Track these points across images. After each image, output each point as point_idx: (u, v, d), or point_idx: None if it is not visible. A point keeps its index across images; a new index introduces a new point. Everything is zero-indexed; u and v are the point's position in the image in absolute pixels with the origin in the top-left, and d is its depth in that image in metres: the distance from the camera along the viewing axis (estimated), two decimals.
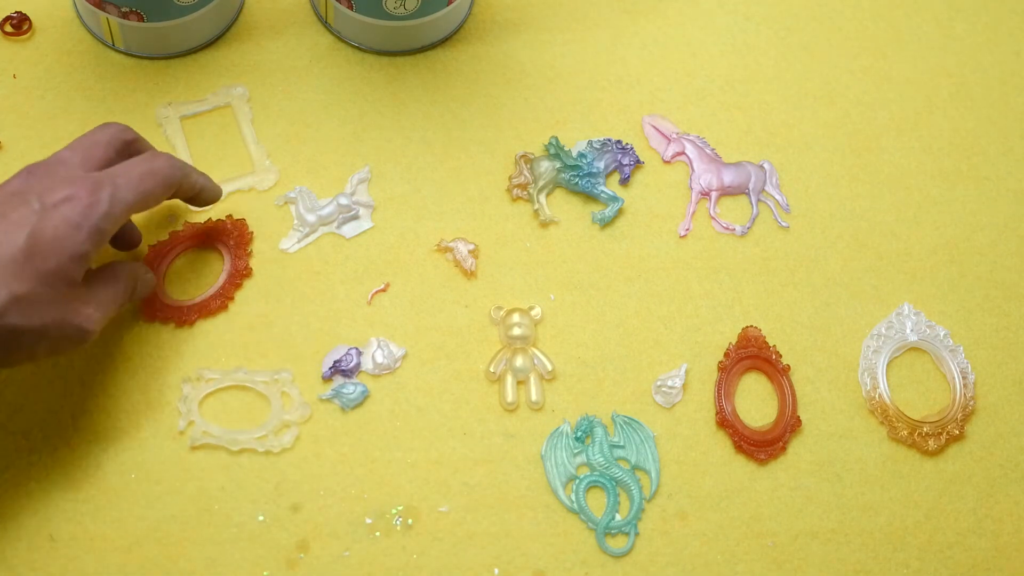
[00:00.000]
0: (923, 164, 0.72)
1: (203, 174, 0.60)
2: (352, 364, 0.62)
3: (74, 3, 0.70)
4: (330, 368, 0.62)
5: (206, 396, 0.60)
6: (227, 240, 0.64)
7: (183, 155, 0.67)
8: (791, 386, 0.64)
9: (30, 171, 0.53)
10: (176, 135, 0.67)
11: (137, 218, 0.65)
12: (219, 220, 0.65)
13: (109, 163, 0.55)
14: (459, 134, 0.69)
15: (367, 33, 0.70)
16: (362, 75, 0.71)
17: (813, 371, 0.65)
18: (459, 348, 0.63)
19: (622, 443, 0.62)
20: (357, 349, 0.62)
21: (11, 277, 0.49)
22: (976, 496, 0.63)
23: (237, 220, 0.65)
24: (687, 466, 0.62)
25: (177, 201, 0.65)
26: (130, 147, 0.57)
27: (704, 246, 0.68)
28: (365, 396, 0.61)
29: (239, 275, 0.64)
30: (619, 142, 0.70)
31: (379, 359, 0.62)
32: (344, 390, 0.61)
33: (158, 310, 0.62)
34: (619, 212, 0.68)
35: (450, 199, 0.68)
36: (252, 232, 0.65)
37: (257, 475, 0.59)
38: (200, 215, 0.65)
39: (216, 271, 0.64)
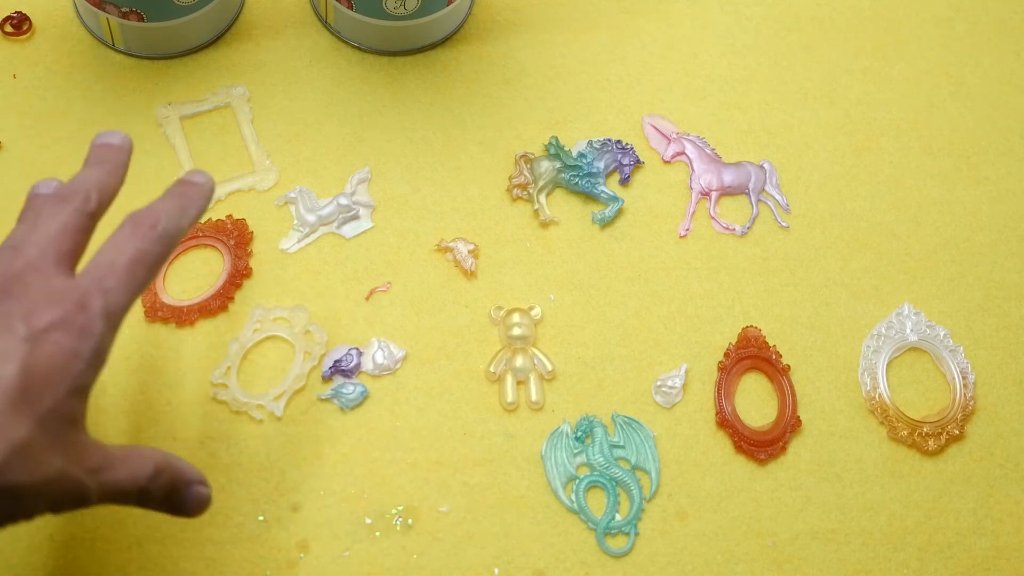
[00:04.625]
0: (923, 164, 0.72)
1: (183, 205, 0.49)
2: (352, 364, 0.62)
3: (74, 3, 0.70)
4: (330, 368, 0.62)
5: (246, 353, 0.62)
6: (227, 240, 0.64)
7: (183, 155, 0.67)
8: (791, 386, 0.64)
9: (4, 288, 0.44)
10: (176, 135, 0.67)
11: None
12: (219, 220, 0.65)
13: (82, 247, 0.47)
14: (459, 134, 0.69)
15: (367, 33, 0.70)
16: (362, 75, 0.71)
17: (813, 371, 0.65)
18: (459, 348, 0.63)
19: (622, 443, 0.62)
20: (358, 349, 0.62)
21: (8, 422, 0.41)
22: (976, 496, 0.63)
23: (237, 220, 0.65)
24: (687, 466, 0.62)
25: None
26: (95, 217, 0.48)
27: (704, 246, 0.68)
28: (364, 397, 0.61)
29: (239, 275, 0.64)
30: (619, 142, 0.70)
31: (379, 360, 0.62)
32: (343, 390, 0.61)
33: (158, 310, 0.62)
34: (619, 212, 0.68)
35: (450, 199, 0.68)
36: (252, 232, 0.65)
37: (257, 475, 0.59)
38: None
39: (216, 271, 0.64)
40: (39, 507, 0.43)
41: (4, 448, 0.40)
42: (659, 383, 0.63)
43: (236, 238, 0.64)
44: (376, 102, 0.70)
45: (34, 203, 0.48)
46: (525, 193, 0.68)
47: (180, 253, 0.64)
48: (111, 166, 0.50)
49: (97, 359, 0.44)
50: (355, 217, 0.66)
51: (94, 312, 0.44)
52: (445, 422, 0.62)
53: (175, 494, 0.48)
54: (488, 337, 0.64)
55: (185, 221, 0.49)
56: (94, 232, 0.48)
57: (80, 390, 0.43)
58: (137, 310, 0.62)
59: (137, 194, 0.65)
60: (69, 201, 0.48)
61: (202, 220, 0.65)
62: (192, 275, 0.64)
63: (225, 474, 0.59)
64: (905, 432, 0.63)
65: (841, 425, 0.64)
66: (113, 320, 0.45)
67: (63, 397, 0.43)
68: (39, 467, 0.41)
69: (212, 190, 0.51)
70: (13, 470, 0.41)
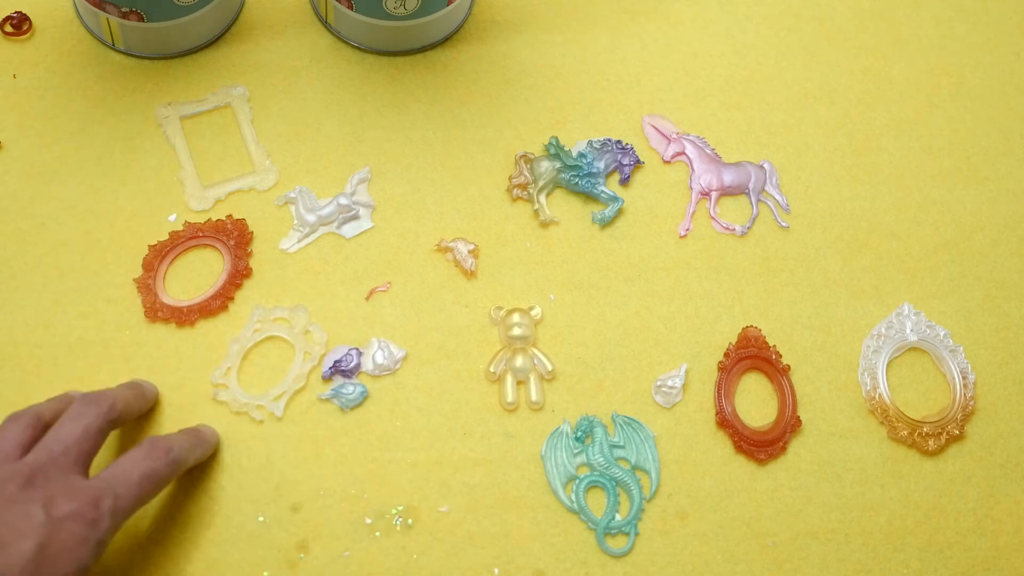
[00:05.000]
0: (923, 164, 0.72)
1: (195, 442, 0.58)
2: (352, 364, 0.62)
3: (74, 3, 0.70)
4: (330, 368, 0.62)
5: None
6: (227, 240, 0.64)
7: (183, 155, 0.67)
8: (791, 386, 0.64)
9: (27, 479, 0.51)
10: (176, 135, 0.67)
11: (135, 216, 0.65)
12: (219, 220, 0.65)
13: (97, 449, 0.54)
14: (459, 134, 0.69)
15: (367, 33, 0.70)
16: (362, 75, 0.71)
17: (813, 371, 0.65)
18: (459, 348, 0.63)
19: (622, 443, 0.62)
20: (357, 350, 0.62)
21: None
22: (976, 496, 0.63)
23: (237, 220, 0.65)
24: (687, 466, 0.62)
25: (176, 199, 0.65)
26: (115, 424, 0.55)
27: (704, 246, 0.68)
28: (364, 397, 0.61)
29: (239, 275, 0.64)
30: (619, 142, 0.70)
31: (379, 360, 0.62)
32: (343, 390, 0.61)
33: (158, 310, 0.62)
34: (619, 212, 0.68)
35: (450, 199, 0.68)
36: (252, 232, 0.65)
37: (257, 475, 0.59)
38: (200, 215, 0.65)
39: (216, 271, 0.64)
40: None
41: None
42: (659, 383, 0.63)
43: (236, 238, 0.64)
44: (376, 102, 0.70)
45: (64, 398, 0.57)
46: (525, 193, 0.68)
47: (180, 253, 0.64)
48: (140, 392, 0.59)
49: (99, 548, 0.51)
50: (355, 217, 0.66)
51: (104, 510, 0.51)
52: (445, 422, 0.62)
53: None
54: (488, 337, 0.64)
55: (193, 457, 0.57)
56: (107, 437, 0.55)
57: (83, 571, 0.50)
58: (137, 311, 0.62)
59: (137, 193, 0.66)
60: (96, 405, 0.55)
61: (202, 220, 0.65)
62: (192, 275, 0.64)
63: (225, 474, 0.59)
64: (905, 432, 0.63)
65: (841, 425, 0.64)
66: (117, 520, 0.52)
67: (70, 574, 0.49)
68: None
69: (218, 444, 0.60)
70: None
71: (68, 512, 0.50)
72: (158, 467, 0.54)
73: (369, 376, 0.62)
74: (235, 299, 0.63)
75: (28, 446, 0.53)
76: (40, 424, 0.54)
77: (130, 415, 0.57)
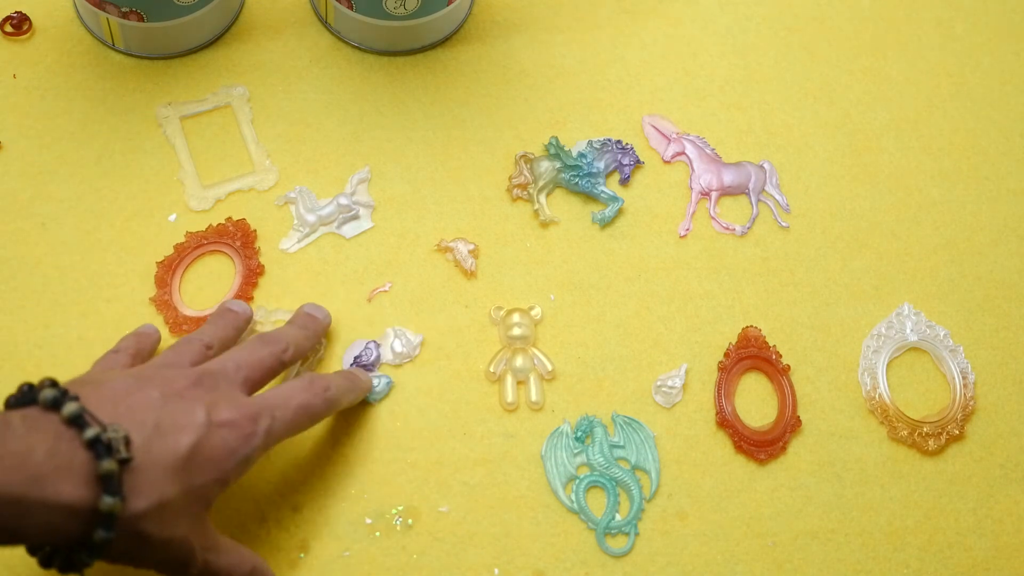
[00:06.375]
0: (923, 164, 0.72)
1: (350, 386, 0.59)
2: (373, 358, 0.62)
3: (74, 3, 0.70)
4: (351, 364, 0.62)
5: None
6: (232, 242, 0.64)
7: (183, 155, 0.67)
8: (791, 386, 0.64)
9: (197, 377, 0.52)
10: (176, 135, 0.67)
11: (135, 216, 0.65)
12: (220, 224, 0.65)
13: (263, 383, 0.55)
14: (459, 134, 0.69)
15: (367, 33, 0.70)
16: (362, 75, 0.71)
17: (813, 371, 0.65)
18: (459, 348, 0.63)
19: (622, 443, 0.62)
20: (375, 342, 0.62)
21: (166, 482, 0.47)
22: (976, 496, 0.63)
23: (238, 221, 0.65)
24: (687, 466, 0.62)
25: (176, 199, 0.65)
26: (285, 365, 0.57)
27: (704, 246, 0.68)
28: (391, 387, 0.62)
29: (253, 274, 0.64)
30: (619, 142, 0.70)
31: (398, 348, 0.62)
32: None
33: (183, 323, 0.62)
34: (619, 212, 0.68)
35: (450, 199, 0.68)
36: (255, 231, 0.65)
37: (257, 475, 0.59)
38: (200, 223, 0.65)
39: (226, 275, 0.64)
40: (151, 559, 0.49)
41: (153, 500, 0.47)
42: (659, 383, 0.63)
43: (241, 239, 0.64)
44: (376, 102, 0.70)
45: (227, 315, 0.60)
46: (525, 193, 0.68)
47: (190, 263, 0.64)
48: (311, 332, 0.60)
49: (245, 465, 0.51)
50: (355, 217, 0.66)
51: (260, 427, 0.52)
52: (445, 422, 0.62)
53: None
54: (488, 337, 0.64)
55: (346, 400, 0.58)
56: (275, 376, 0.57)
57: (224, 481, 0.50)
58: (161, 327, 0.62)
59: (137, 193, 0.66)
60: (271, 345, 0.56)
61: (202, 220, 0.65)
62: (206, 283, 0.64)
63: None
64: (905, 432, 0.63)
65: (841, 425, 0.64)
66: (269, 440, 0.52)
67: (211, 482, 0.50)
68: (168, 526, 0.48)
69: (370, 389, 0.61)
70: (150, 520, 0.47)
71: (227, 419, 0.50)
72: (315, 402, 0.55)
73: (390, 366, 0.62)
74: (255, 299, 0.63)
75: (199, 363, 0.54)
76: (210, 352, 0.56)
77: (301, 355, 0.59)
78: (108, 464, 0.45)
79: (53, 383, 0.47)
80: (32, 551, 0.48)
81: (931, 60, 0.75)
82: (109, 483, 0.45)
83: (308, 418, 0.55)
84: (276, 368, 0.56)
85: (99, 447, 0.45)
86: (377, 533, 0.59)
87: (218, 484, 0.50)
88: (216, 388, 0.52)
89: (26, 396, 0.47)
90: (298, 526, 0.58)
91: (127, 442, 0.46)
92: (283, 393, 0.54)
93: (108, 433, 0.46)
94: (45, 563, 0.47)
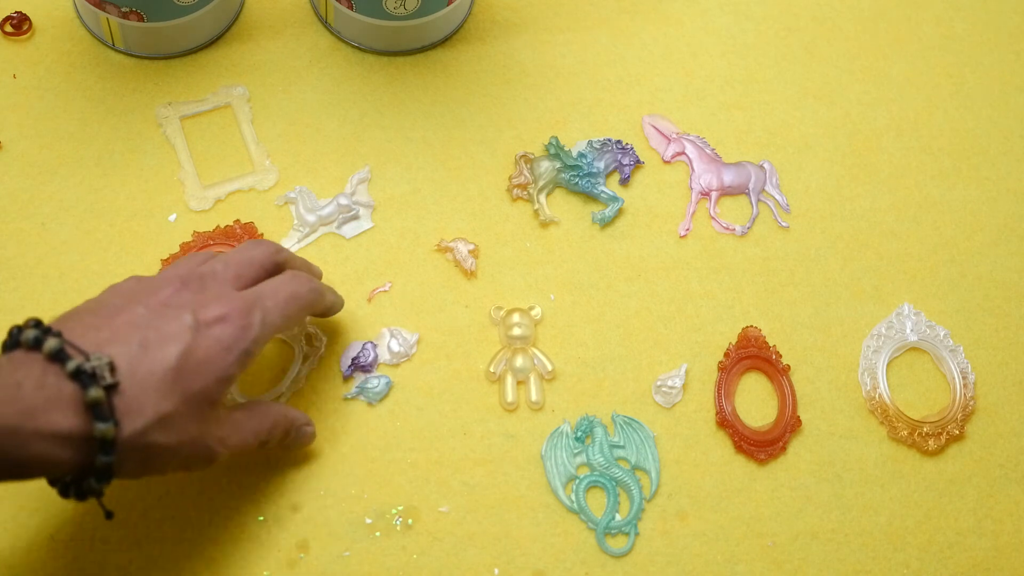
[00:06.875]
0: (923, 164, 0.72)
1: (331, 290, 0.60)
2: (371, 358, 0.62)
3: (74, 3, 0.70)
4: (349, 366, 0.62)
5: None
6: (238, 243, 0.64)
7: (183, 155, 0.67)
8: (791, 386, 0.64)
9: (183, 282, 0.52)
10: (176, 135, 0.67)
11: (135, 216, 0.65)
12: (227, 226, 0.65)
13: (256, 282, 0.55)
14: (459, 134, 0.69)
15: (367, 33, 0.70)
16: (362, 75, 0.71)
17: (813, 371, 0.65)
18: (459, 348, 0.63)
19: (622, 443, 0.62)
20: (372, 343, 0.62)
21: (160, 396, 0.48)
22: (976, 496, 0.63)
23: (246, 224, 0.65)
24: (687, 466, 0.62)
25: (176, 199, 0.65)
26: (279, 268, 0.57)
27: (704, 246, 0.68)
28: (390, 387, 0.62)
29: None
30: (619, 142, 0.70)
31: (395, 348, 0.62)
32: (368, 385, 0.61)
33: None
34: (619, 212, 0.68)
35: (450, 199, 0.68)
36: (262, 234, 0.65)
37: (257, 475, 0.59)
38: (200, 223, 0.65)
39: None
40: (172, 464, 0.50)
41: (150, 417, 0.47)
42: (659, 383, 0.63)
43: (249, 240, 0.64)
44: (376, 102, 0.70)
45: (249, 245, 0.58)
46: (525, 193, 0.68)
47: None
48: (307, 265, 0.60)
49: (245, 357, 0.51)
50: (355, 217, 0.66)
51: (255, 318, 0.51)
52: (445, 422, 0.62)
53: (287, 437, 0.57)
54: (488, 337, 0.64)
55: (328, 298, 0.59)
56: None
57: (226, 379, 0.50)
58: None
59: (137, 193, 0.66)
60: (264, 244, 0.57)
61: (202, 220, 0.65)
62: None
63: (225, 474, 0.59)
64: (905, 432, 0.63)
65: (841, 425, 0.64)
66: (267, 331, 0.52)
67: (211, 383, 0.50)
68: (176, 433, 0.48)
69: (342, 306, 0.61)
70: (154, 433, 0.48)
71: (218, 315, 0.50)
72: (302, 291, 0.55)
73: (388, 366, 0.62)
74: None
75: None
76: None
77: (292, 262, 0.58)
78: (94, 392, 0.45)
79: (37, 323, 0.48)
80: (51, 483, 0.49)
81: (931, 60, 0.75)
82: (99, 410, 0.46)
83: (298, 308, 0.55)
84: (268, 267, 0.56)
85: (83, 377, 0.46)
86: (377, 533, 0.59)
87: (220, 383, 0.50)
88: (204, 288, 0.52)
89: (14, 339, 0.48)
90: (298, 526, 0.58)
91: (112, 367, 0.47)
92: (271, 285, 0.54)
93: (91, 362, 0.46)
94: (63, 493, 0.48)
